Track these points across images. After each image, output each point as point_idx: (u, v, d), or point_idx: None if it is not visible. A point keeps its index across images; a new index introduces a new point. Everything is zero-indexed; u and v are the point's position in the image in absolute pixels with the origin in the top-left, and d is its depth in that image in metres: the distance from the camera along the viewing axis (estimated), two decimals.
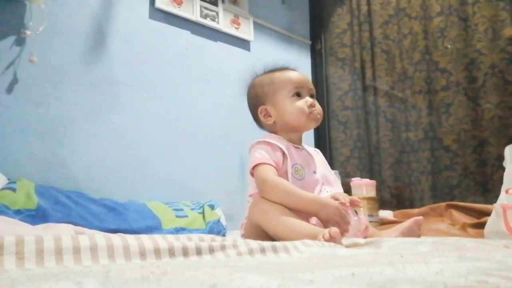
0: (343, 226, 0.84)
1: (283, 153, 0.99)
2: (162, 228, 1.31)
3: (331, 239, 0.73)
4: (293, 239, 0.76)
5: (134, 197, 1.49)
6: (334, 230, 0.74)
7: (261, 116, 1.09)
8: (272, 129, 1.10)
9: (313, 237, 0.76)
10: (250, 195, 1.02)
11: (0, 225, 0.85)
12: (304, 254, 0.59)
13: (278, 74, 1.08)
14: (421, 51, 2.08)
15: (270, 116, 1.07)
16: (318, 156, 1.10)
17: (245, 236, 0.97)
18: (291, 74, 1.08)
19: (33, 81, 1.41)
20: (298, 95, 1.05)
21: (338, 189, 1.05)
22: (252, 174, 0.98)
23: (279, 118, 1.06)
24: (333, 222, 0.85)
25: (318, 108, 1.06)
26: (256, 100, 1.10)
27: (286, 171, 0.97)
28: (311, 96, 1.07)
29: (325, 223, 0.87)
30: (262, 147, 1.00)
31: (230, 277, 0.33)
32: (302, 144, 1.10)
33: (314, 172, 1.03)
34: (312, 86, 1.09)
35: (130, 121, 1.63)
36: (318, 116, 1.05)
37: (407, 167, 2.10)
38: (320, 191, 1.00)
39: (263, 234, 0.89)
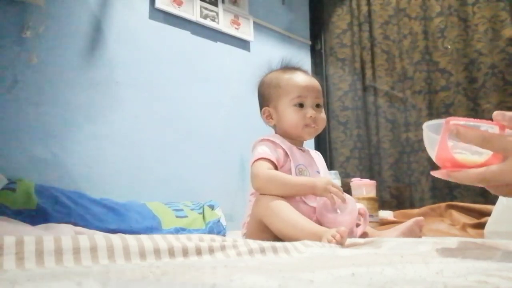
0: (339, 194, 0.88)
1: (286, 154, 1.00)
2: (162, 229, 1.31)
3: (341, 239, 0.72)
4: (296, 236, 0.76)
5: (134, 197, 1.49)
6: (343, 229, 0.74)
7: (263, 117, 1.10)
8: (274, 130, 1.11)
9: (317, 235, 0.76)
10: (252, 194, 1.02)
11: (0, 225, 0.85)
12: (304, 255, 0.59)
13: (286, 77, 1.06)
14: (421, 52, 2.09)
15: (271, 118, 1.08)
16: (319, 159, 1.12)
17: (247, 234, 0.97)
18: (299, 80, 1.04)
19: (33, 81, 1.41)
20: (301, 105, 1.03)
21: None
22: None
23: (278, 123, 1.07)
24: (329, 189, 0.88)
25: (320, 119, 1.04)
26: (262, 99, 1.11)
27: (290, 171, 0.98)
28: (317, 106, 1.05)
29: (322, 195, 0.90)
30: (265, 144, 1.01)
31: (230, 277, 0.33)
32: (303, 146, 1.11)
33: (318, 172, 1.04)
34: (318, 94, 1.05)
35: (130, 121, 1.63)
36: (315, 128, 1.04)
37: (407, 168, 2.10)
38: None
39: (266, 231, 0.89)
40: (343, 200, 0.88)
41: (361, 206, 1.00)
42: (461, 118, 0.54)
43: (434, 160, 0.57)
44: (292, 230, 0.83)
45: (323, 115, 1.05)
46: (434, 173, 0.57)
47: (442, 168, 0.56)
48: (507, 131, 0.52)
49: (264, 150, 0.98)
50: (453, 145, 0.54)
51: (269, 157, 0.97)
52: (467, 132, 0.51)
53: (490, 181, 0.51)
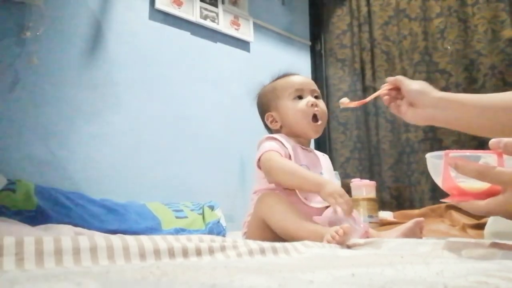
0: (343, 205, 0.83)
1: (289, 154, 1.00)
2: (162, 229, 1.31)
3: (344, 235, 0.71)
4: (298, 235, 0.76)
5: (134, 198, 1.49)
6: (346, 226, 0.73)
7: (268, 123, 1.11)
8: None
9: (318, 235, 0.76)
10: (255, 192, 1.02)
11: (0, 226, 0.85)
12: (304, 255, 0.59)
13: (279, 81, 1.10)
14: (421, 52, 2.09)
15: (276, 121, 1.09)
16: (325, 161, 1.11)
17: (248, 233, 0.97)
18: (292, 78, 1.10)
19: (33, 82, 1.41)
20: (300, 97, 1.05)
21: None
22: (259, 167, 0.99)
23: (283, 122, 1.08)
24: (335, 196, 0.84)
25: (321, 107, 1.06)
26: (263, 108, 1.13)
27: None
28: (316, 98, 1.08)
29: (325, 199, 0.87)
30: (271, 141, 1.02)
31: (230, 278, 0.33)
32: (310, 147, 1.12)
33: (321, 174, 1.04)
34: (314, 87, 1.10)
35: (130, 121, 1.63)
36: (321, 124, 1.06)
37: (407, 168, 2.10)
38: None
39: (267, 230, 0.90)
40: (349, 214, 0.84)
41: (364, 225, 0.98)
42: (459, 151, 0.58)
43: (441, 187, 0.60)
44: (294, 229, 0.83)
45: (323, 105, 1.08)
46: (445, 200, 0.61)
47: (450, 195, 0.60)
48: (505, 157, 0.55)
49: (272, 145, 1.00)
50: (456, 175, 0.57)
51: (278, 150, 0.98)
52: (464, 166, 0.55)
53: (497, 212, 0.56)
